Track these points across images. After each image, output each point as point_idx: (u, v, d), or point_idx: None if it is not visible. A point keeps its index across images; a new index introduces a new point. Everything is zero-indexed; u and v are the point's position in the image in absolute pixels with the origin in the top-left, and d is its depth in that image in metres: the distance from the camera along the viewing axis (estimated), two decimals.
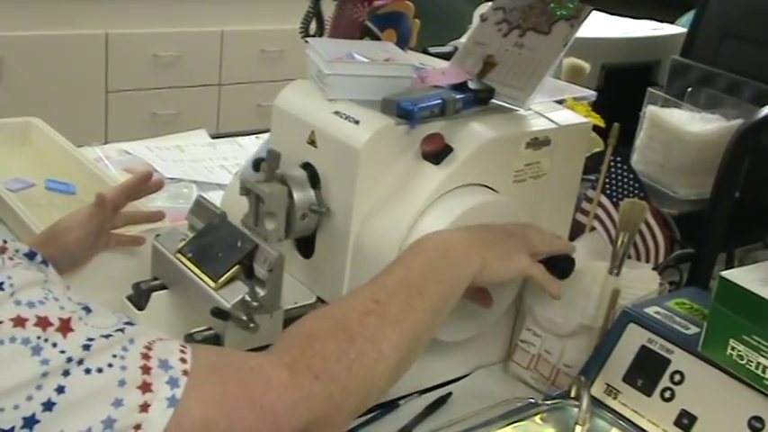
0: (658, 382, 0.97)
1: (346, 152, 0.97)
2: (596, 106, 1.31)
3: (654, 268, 1.14)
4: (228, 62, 3.45)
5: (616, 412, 0.99)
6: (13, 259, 0.64)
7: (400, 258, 0.89)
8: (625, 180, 1.22)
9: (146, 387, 0.62)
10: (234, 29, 3.42)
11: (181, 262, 1.03)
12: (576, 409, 0.95)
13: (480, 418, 0.97)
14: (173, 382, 0.64)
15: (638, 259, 1.20)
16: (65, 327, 0.61)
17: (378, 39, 1.14)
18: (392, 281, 0.83)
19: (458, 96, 1.01)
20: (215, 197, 1.20)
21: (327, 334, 0.76)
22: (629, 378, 0.99)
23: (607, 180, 1.20)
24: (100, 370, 0.61)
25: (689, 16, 1.90)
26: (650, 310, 1.02)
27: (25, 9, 2.96)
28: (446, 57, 1.20)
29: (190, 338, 0.96)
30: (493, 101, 1.06)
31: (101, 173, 1.49)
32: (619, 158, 1.21)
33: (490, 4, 1.14)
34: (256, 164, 1.04)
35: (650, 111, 1.48)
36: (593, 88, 1.24)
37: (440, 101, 0.99)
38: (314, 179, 1.01)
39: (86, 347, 0.61)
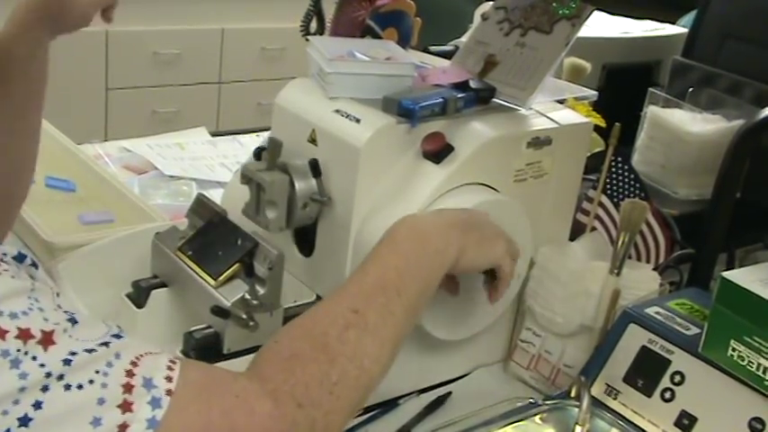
0: (659, 382, 0.97)
1: (347, 151, 0.97)
2: (597, 106, 1.31)
3: (654, 268, 1.14)
4: (229, 60, 3.45)
5: (616, 413, 0.98)
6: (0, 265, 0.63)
7: (376, 253, 0.85)
8: (626, 180, 1.22)
9: (126, 406, 0.61)
10: (234, 27, 3.42)
11: (181, 260, 1.03)
12: (576, 410, 0.95)
13: (480, 418, 0.97)
14: (155, 403, 0.62)
15: (639, 259, 1.19)
16: (47, 339, 0.60)
17: (379, 37, 1.14)
18: (369, 283, 0.82)
19: (459, 95, 1.01)
20: (215, 195, 1.19)
21: (307, 356, 0.74)
22: (629, 378, 0.99)
23: (608, 180, 1.20)
24: (80, 386, 0.60)
25: (690, 16, 1.90)
26: (651, 311, 1.02)
27: None
28: (447, 56, 1.19)
29: (189, 337, 0.96)
30: (494, 100, 1.06)
31: (101, 170, 1.48)
32: (619, 158, 1.21)
33: (491, 3, 1.14)
34: (258, 153, 1.04)
35: (651, 111, 1.48)
36: (593, 88, 1.23)
37: (441, 100, 0.99)
38: (315, 168, 1.01)
39: (67, 362, 0.60)
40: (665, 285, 1.11)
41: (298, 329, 0.79)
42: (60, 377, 0.59)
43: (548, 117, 1.07)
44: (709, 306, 0.93)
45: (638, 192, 1.21)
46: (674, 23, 1.99)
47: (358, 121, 0.98)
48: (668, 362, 0.97)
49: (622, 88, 1.56)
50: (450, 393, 1.06)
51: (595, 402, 0.98)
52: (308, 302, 1.04)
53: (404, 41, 1.16)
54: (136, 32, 3.20)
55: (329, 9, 1.17)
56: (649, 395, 0.97)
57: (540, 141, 1.04)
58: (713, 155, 1.25)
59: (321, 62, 1.03)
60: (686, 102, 1.48)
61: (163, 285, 1.07)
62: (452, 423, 0.97)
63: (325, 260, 1.04)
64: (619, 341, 1.01)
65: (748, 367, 0.89)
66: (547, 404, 1.01)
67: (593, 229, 1.18)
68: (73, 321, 0.62)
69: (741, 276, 0.90)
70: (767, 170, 1.34)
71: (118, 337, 0.65)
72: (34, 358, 0.59)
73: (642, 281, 1.08)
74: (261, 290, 0.97)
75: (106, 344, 0.63)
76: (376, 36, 1.14)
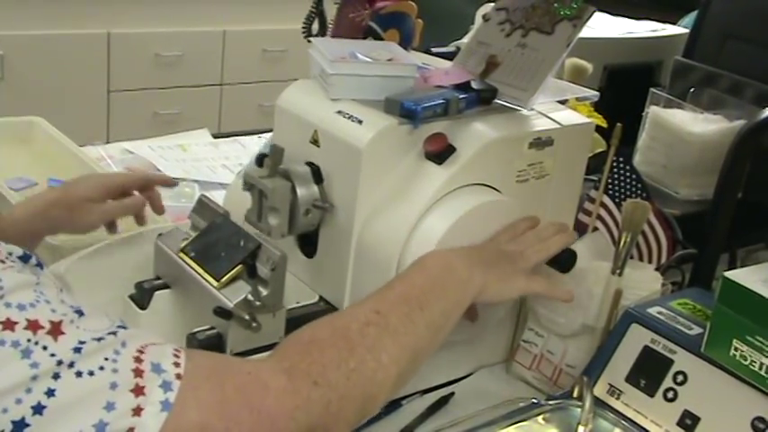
0: (661, 382, 0.97)
1: (349, 152, 0.97)
2: (598, 106, 1.31)
3: (656, 269, 1.14)
4: (231, 62, 3.45)
5: (619, 413, 0.99)
6: (5, 262, 0.63)
7: (403, 273, 0.89)
8: (627, 180, 1.22)
9: (138, 390, 0.62)
10: (236, 29, 3.42)
11: (183, 261, 1.03)
12: (578, 410, 0.95)
13: (482, 419, 0.97)
14: (166, 386, 0.63)
15: (641, 260, 1.20)
16: (55, 330, 0.61)
17: (381, 39, 1.14)
18: (394, 294, 0.84)
19: (461, 96, 1.01)
20: (217, 196, 1.20)
21: (327, 341, 0.75)
22: (631, 378, 0.99)
23: (610, 180, 1.20)
24: (91, 373, 0.61)
25: (691, 17, 1.91)
26: (653, 311, 1.02)
27: (28, 8, 2.96)
28: (449, 57, 1.20)
29: (192, 338, 0.96)
30: (496, 101, 1.06)
31: (103, 172, 1.49)
32: (621, 159, 1.21)
33: (493, 4, 1.14)
34: (260, 159, 1.04)
35: (653, 111, 1.48)
36: (595, 89, 1.23)
37: (443, 101, 0.99)
38: (317, 175, 1.01)
39: (77, 350, 0.61)
40: (668, 285, 1.11)
41: (319, 322, 0.80)
42: (71, 365, 0.60)
43: (549, 118, 1.07)
44: (712, 306, 0.93)
45: (639, 192, 1.21)
46: (675, 24, 2.00)
47: (360, 122, 0.98)
48: (671, 362, 0.97)
49: (624, 89, 1.57)
50: (452, 394, 1.07)
51: (598, 402, 0.98)
52: (311, 303, 1.04)
53: (405, 43, 1.17)
54: (138, 34, 3.20)
55: (331, 10, 1.17)
56: (652, 395, 0.97)
57: (541, 142, 1.04)
58: (714, 155, 1.26)
59: (323, 63, 1.04)
60: (687, 102, 1.48)
61: (166, 287, 1.07)
62: (455, 423, 0.97)
63: (328, 261, 1.04)
64: (621, 341, 1.01)
65: (751, 367, 0.89)
66: (549, 404, 1.01)
67: (595, 229, 1.18)
68: (80, 313, 0.64)
69: (743, 276, 0.90)
70: None
71: (123, 327, 0.66)
72: (45, 348, 0.60)
73: (644, 281, 1.08)
74: (264, 291, 0.97)
75: (113, 333, 0.64)
76: (377, 37, 1.15)
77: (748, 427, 0.90)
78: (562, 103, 1.14)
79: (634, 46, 1.80)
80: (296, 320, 0.90)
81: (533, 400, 1.01)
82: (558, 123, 1.07)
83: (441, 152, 0.98)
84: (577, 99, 1.22)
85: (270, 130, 1.14)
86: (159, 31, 3.25)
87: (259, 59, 3.50)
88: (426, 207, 0.96)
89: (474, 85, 1.04)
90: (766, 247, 1.39)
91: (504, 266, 0.95)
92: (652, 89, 1.51)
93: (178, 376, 0.64)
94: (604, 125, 1.28)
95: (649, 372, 0.98)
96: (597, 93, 1.21)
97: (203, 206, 1.09)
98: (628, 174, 1.22)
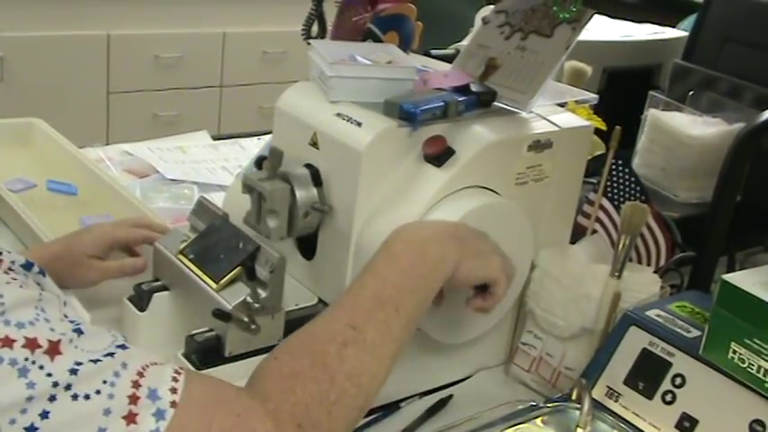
0: (659, 385, 0.97)
1: (348, 154, 0.97)
2: (598, 109, 1.31)
3: (655, 271, 1.14)
4: (230, 64, 3.45)
5: (617, 415, 0.99)
6: (8, 273, 0.63)
7: (374, 265, 0.86)
8: (626, 183, 1.22)
9: (131, 418, 0.62)
10: (236, 30, 3.42)
11: (182, 263, 1.03)
12: (577, 412, 0.95)
13: (481, 421, 0.97)
14: (159, 414, 0.63)
15: (640, 262, 1.20)
16: (53, 349, 0.61)
17: (380, 41, 1.15)
18: (367, 297, 0.82)
19: (460, 99, 1.02)
20: (217, 198, 1.20)
21: (308, 375, 0.75)
22: (630, 381, 0.99)
23: (608, 183, 1.20)
24: (87, 396, 0.61)
25: (690, 20, 1.91)
26: (651, 313, 1.02)
27: (27, 9, 2.96)
28: (448, 59, 1.20)
29: (191, 340, 0.97)
30: (495, 103, 1.06)
31: (102, 174, 1.49)
32: (620, 161, 1.21)
33: (492, 6, 1.14)
34: (259, 162, 1.04)
35: (651, 114, 1.48)
36: (594, 91, 1.24)
37: (442, 103, 1.00)
38: (316, 177, 1.01)
39: (73, 372, 0.61)
40: (666, 288, 1.11)
41: (297, 345, 0.80)
42: (68, 387, 0.60)
43: (548, 120, 1.07)
44: (710, 308, 0.93)
45: (638, 195, 1.21)
46: (674, 27, 2.00)
47: (359, 124, 0.98)
48: (669, 364, 0.97)
49: (623, 91, 1.57)
50: (451, 396, 1.07)
51: (596, 405, 0.98)
52: (310, 305, 1.04)
53: (405, 45, 1.17)
54: (137, 36, 3.20)
55: (330, 13, 1.17)
56: (650, 398, 0.97)
57: (540, 144, 1.04)
58: (713, 158, 1.26)
59: (322, 66, 1.04)
60: (686, 105, 1.49)
61: (164, 289, 1.07)
62: (454, 426, 0.97)
63: (327, 263, 1.04)
64: (620, 344, 1.01)
65: (749, 370, 0.89)
66: (548, 407, 1.01)
67: (594, 231, 1.18)
68: (79, 332, 0.63)
69: (742, 279, 0.90)
70: (767, 173, 1.34)
71: (123, 347, 0.65)
72: (41, 368, 0.60)
73: (643, 283, 1.08)
74: (262, 293, 0.97)
75: (111, 354, 0.64)
76: (377, 40, 1.15)
77: (746, 429, 0.90)
78: (561, 105, 1.14)
79: (633, 49, 1.80)
80: (295, 322, 0.90)
81: (532, 403, 1.01)
82: (558, 126, 1.07)
83: (440, 155, 0.98)
84: (576, 102, 1.22)
85: (269, 132, 1.14)
86: (159, 32, 3.25)
87: (259, 61, 3.50)
88: (425, 209, 0.96)
89: (473, 87, 1.05)
90: (765, 250, 1.39)
91: (480, 244, 0.92)
92: (651, 92, 1.52)
93: (173, 404, 0.64)
94: (603, 128, 1.28)
95: (648, 374, 0.98)
96: (596, 95, 1.21)
97: (202, 208, 1.09)
98: (627, 176, 1.22)
